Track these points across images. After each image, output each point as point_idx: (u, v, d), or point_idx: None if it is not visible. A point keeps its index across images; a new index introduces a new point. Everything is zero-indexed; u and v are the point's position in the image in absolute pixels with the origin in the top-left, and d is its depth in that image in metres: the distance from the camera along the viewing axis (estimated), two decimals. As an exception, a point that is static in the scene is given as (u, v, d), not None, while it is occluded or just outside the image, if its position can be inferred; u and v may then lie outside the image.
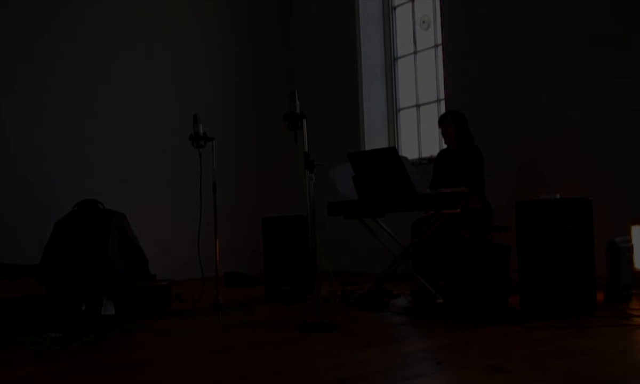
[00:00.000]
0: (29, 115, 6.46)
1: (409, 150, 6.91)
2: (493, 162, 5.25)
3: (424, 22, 6.88)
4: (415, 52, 6.98)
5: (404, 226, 5.09)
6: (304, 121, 3.91)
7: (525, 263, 3.93)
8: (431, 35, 6.79)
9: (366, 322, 4.03)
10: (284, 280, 5.28)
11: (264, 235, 5.51)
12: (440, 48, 6.47)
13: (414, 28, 6.98)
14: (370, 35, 7.15)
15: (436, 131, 5.75)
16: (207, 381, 2.77)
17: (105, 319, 4.23)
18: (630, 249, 4.24)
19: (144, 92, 7.02)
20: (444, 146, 5.21)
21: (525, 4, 5.49)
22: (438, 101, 6.67)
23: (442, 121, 5.08)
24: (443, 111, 6.18)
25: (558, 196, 4.02)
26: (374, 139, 7.01)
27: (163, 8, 7.25)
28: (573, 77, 5.14)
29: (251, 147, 7.66)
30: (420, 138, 6.92)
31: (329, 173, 4.86)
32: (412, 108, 7.04)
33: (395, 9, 7.19)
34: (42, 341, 3.62)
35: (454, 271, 4.04)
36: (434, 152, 6.19)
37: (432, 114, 6.67)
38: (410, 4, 7.02)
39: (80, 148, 6.65)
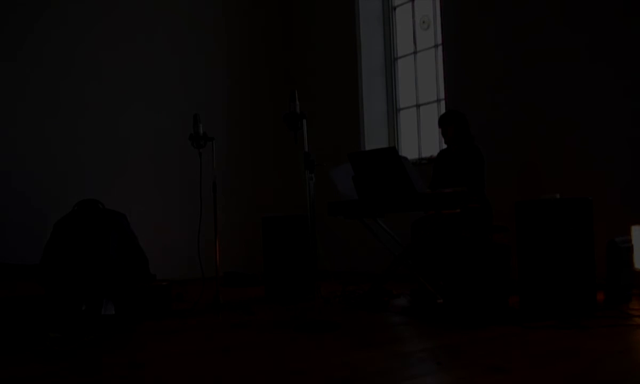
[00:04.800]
0: (30, 114, 6.46)
1: (409, 150, 6.91)
2: (493, 162, 5.25)
3: (424, 22, 6.88)
4: (415, 52, 6.98)
5: (404, 226, 5.09)
6: (304, 121, 3.91)
7: (525, 263, 3.93)
8: (431, 35, 6.79)
9: (366, 322, 4.03)
10: (284, 280, 5.28)
11: (264, 235, 5.51)
12: (440, 48, 6.47)
13: (414, 28, 6.98)
14: (370, 35, 7.15)
15: (436, 131, 5.74)
16: (207, 381, 2.77)
17: (105, 319, 4.23)
18: (630, 249, 4.24)
19: (144, 92, 7.02)
20: (444, 146, 5.21)
21: (525, 3, 5.48)
22: (438, 101, 6.66)
23: (442, 121, 5.08)
24: (443, 110, 6.18)
25: (558, 196, 4.02)
26: (374, 139, 7.00)
27: (163, 8, 7.24)
28: (573, 77, 5.14)
29: (251, 147, 7.66)
30: (420, 138, 6.92)
31: (329, 173, 4.86)
32: (412, 108, 7.04)
33: (395, 9, 7.19)
34: (42, 341, 3.62)
35: (454, 271, 4.04)
36: (434, 152, 6.19)
37: (432, 114, 6.67)
38: (410, 4, 7.02)
39: (80, 148, 6.65)
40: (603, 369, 2.64)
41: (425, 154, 6.77)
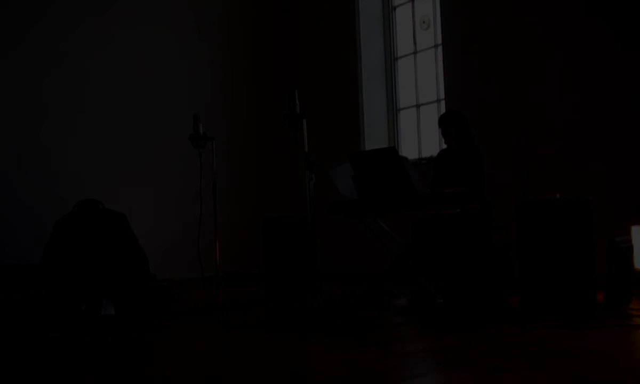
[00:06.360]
0: (29, 115, 6.46)
1: (409, 150, 6.91)
2: (493, 162, 5.25)
3: (424, 22, 6.88)
4: (415, 52, 6.98)
5: (404, 226, 5.09)
6: (304, 121, 3.91)
7: (525, 263, 3.93)
8: (431, 35, 6.79)
9: (366, 322, 4.03)
10: (284, 280, 5.28)
11: (264, 235, 5.51)
12: (440, 48, 6.47)
13: (414, 28, 6.98)
14: (370, 35, 7.15)
15: (436, 131, 5.74)
16: (207, 381, 2.77)
17: (105, 319, 4.24)
18: (630, 249, 4.23)
19: (144, 92, 7.01)
20: (444, 146, 5.21)
21: (525, 3, 5.49)
22: (438, 101, 6.67)
23: (443, 121, 5.07)
24: (443, 110, 6.18)
25: (558, 196, 4.02)
26: (374, 139, 7.01)
27: (163, 7, 7.24)
28: (573, 77, 5.14)
29: (251, 147, 7.66)
30: (420, 138, 6.92)
31: (329, 173, 4.86)
32: (412, 108, 7.04)
33: (395, 9, 7.19)
34: (42, 341, 3.62)
35: (454, 271, 4.04)
36: (434, 152, 6.19)
37: (432, 114, 6.67)
38: (410, 4, 7.02)
39: (80, 148, 6.65)
40: (603, 369, 2.64)
41: (425, 154, 6.77)
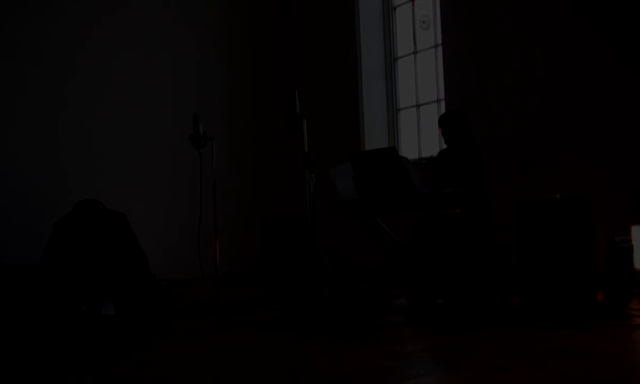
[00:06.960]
0: (30, 114, 6.46)
1: (409, 150, 6.91)
2: (493, 162, 5.25)
3: (424, 22, 6.88)
4: (415, 52, 6.98)
5: (404, 226, 5.09)
6: (304, 121, 3.91)
7: (525, 263, 3.93)
8: (431, 35, 6.79)
9: (366, 322, 4.03)
10: (284, 280, 5.28)
11: (264, 235, 5.51)
12: (440, 48, 6.47)
13: (414, 28, 6.98)
14: (370, 35, 7.15)
15: (436, 131, 5.74)
16: (207, 381, 2.77)
17: (105, 319, 4.24)
18: (630, 249, 4.23)
19: (144, 92, 7.02)
20: (444, 146, 5.21)
21: (525, 3, 5.49)
22: (438, 101, 6.67)
23: (443, 121, 5.07)
24: (443, 110, 6.18)
25: (558, 196, 4.02)
26: (374, 139, 7.01)
27: (163, 7, 7.25)
28: (573, 77, 5.14)
29: (251, 147, 7.66)
30: (420, 138, 6.92)
31: (329, 173, 4.86)
32: (412, 108, 7.04)
33: (395, 9, 7.19)
34: (42, 341, 3.62)
35: (454, 271, 4.04)
36: (434, 152, 6.19)
37: (432, 114, 6.67)
38: (410, 4, 7.02)
39: (80, 148, 6.65)
40: (603, 369, 2.64)
41: (425, 154, 6.77)
